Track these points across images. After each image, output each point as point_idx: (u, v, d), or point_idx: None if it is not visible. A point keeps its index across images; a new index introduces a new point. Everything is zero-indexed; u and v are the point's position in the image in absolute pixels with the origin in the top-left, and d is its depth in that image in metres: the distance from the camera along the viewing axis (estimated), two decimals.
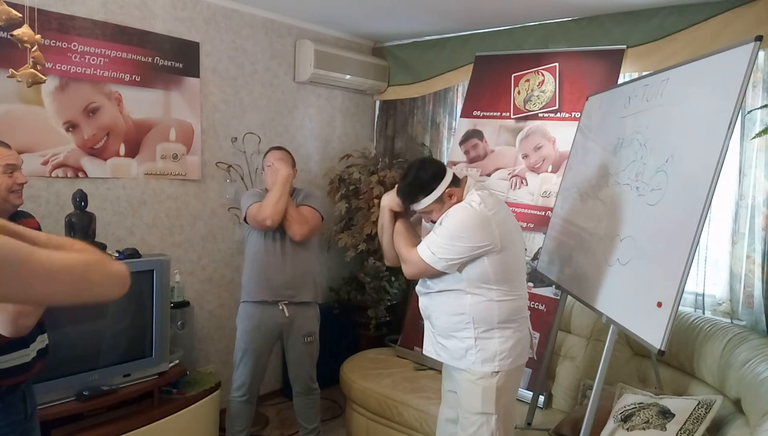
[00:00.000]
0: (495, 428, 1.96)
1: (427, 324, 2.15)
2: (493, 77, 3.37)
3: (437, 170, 1.98)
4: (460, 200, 1.98)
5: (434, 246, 1.93)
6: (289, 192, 2.70)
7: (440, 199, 1.97)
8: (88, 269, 0.89)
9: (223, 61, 3.31)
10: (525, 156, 3.15)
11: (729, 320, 2.64)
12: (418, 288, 2.16)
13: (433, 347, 2.11)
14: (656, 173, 1.86)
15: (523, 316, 2.04)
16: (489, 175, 3.23)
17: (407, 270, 2.05)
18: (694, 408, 1.95)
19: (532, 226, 3.00)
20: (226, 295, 3.44)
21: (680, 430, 1.89)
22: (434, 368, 2.98)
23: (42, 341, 1.71)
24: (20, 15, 1.45)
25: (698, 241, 1.58)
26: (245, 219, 2.72)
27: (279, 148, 2.84)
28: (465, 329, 1.96)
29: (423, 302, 2.13)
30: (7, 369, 1.56)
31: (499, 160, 3.23)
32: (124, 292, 0.97)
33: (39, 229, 1.81)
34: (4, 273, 0.78)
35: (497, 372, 1.95)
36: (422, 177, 1.97)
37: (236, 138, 3.38)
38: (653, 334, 1.64)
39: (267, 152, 2.83)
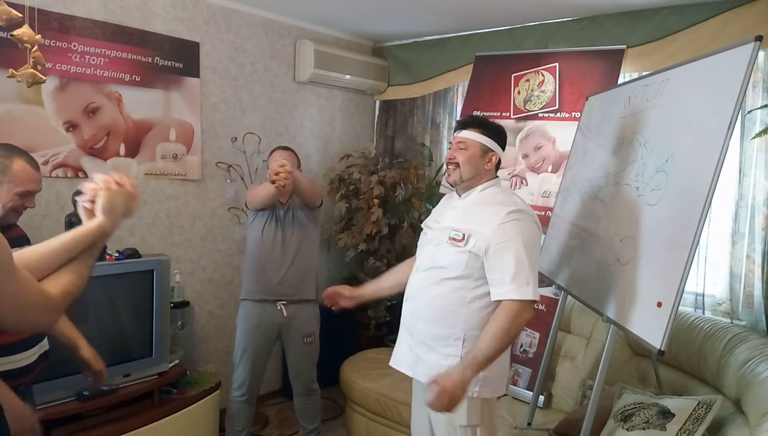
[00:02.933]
0: None
1: (403, 332, 2.01)
2: (493, 77, 3.37)
3: (505, 140, 1.99)
4: (491, 178, 1.93)
5: (527, 277, 1.72)
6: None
7: (483, 152, 1.90)
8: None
9: (223, 61, 3.31)
10: (525, 156, 3.15)
11: (729, 320, 2.64)
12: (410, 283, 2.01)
13: (406, 360, 1.96)
14: (656, 173, 1.86)
15: None
16: None
17: (519, 324, 1.73)
18: (694, 408, 1.95)
19: None
20: (226, 295, 3.44)
21: (680, 430, 1.89)
22: None
23: (42, 347, 1.71)
24: (20, 15, 1.45)
25: (698, 241, 1.58)
26: (246, 204, 2.81)
27: (285, 148, 2.83)
28: (452, 346, 1.83)
29: (408, 309, 1.98)
30: (8, 371, 1.56)
31: None
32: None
33: (26, 238, 1.80)
34: None
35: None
36: (500, 128, 1.97)
37: (236, 138, 3.38)
38: (653, 334, 1.64)
39: (272, 151, 2.82)
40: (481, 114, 3.34)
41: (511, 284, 1.71)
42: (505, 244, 1.75)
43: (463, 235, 1.82)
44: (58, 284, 1.08)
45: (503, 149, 1.96)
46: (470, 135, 1.91)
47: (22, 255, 1.09)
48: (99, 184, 1.20)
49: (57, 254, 1.12)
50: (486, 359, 1.68)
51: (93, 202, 1.19)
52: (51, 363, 1.79)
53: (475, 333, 1.80)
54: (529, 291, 1.70)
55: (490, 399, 1.88)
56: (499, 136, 1.94)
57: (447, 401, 1.62)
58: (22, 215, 1.77)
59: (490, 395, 1.86)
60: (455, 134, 1.97)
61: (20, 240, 1.74)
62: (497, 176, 1.97)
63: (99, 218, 1.18)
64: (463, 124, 1.96)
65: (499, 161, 1.96)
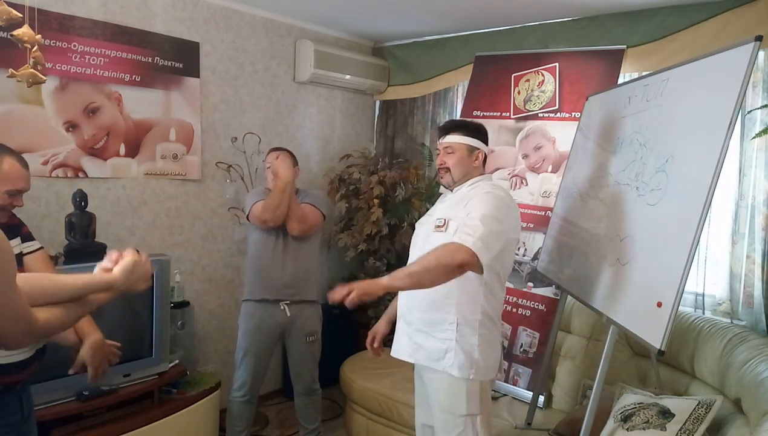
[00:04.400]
0: (480, 429, 1.92)
1: (400, 324, 2.09)
2: (493, 77, 3.37)
3: (486, 136, 2.10)
4: (480, 173, 2.05)
5: (481, 234, 1.76)
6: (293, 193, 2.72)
7: (470, 152, 2.01)
8: None
9: (223, 61, 3.31)
10: (525, 156, 3.15)
11: (729, 320, 2.64)
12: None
13: (406, 348, 2.04)
14: (656, 173, 1.86)
15: (499, 320, 2.01)
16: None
17: (450, 260, 1.74)
18: (694, 408, 1.95)
19: (532, 226, 3.00)
20: (226, 295, 3.44)
21: (680, 430, 1.89)
22: None
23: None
24: (20, 15, 1.45)
25: (698, 241, 1.58)
26: (248, 217, 2.74)
27: (279, 148, 2.84)
28: (447, 330, 1.91)
29: (404, 301, 2.07)
30: (5, 365, 1.56)
31: (499, 160, 3.23)
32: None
33: (19, 225, 1.81)
34: None
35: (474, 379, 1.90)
36: (480, 126, 2.08)
37: (236, 138, 3.38)
38: (653, 334, 1.64)
39: (268, 153, 2.83)
40: (481, 114, 3.35)
41: (461, 232, 1.81)
42: (474, 210, 1.86)
43: (445, 220, 1.94)
44: (46, 312, 1.12)
45: (486, 145, 2.08)
46: (454, 139, 2.03)
47: (29, 277, 1.14)
48: (126, 254, 1.32)
49: (60, 290, 1.18)
50: (405, 275, 1.78)
51: (115, 263, 1.30)
52: (51, 363, 1.79)
53: (467, 317, 1.90)
54: (470, 241, 1.76)
55: (485, 385, 1.96)
56: (480, 134, 2.07)
57: (349, 290, 1.79)
58: (21, 216, 1.78)
59: (485, 377, 1.94)
60: (440, 140, 2.08)
61: (15, 228, 1.77)
62: (484, 172, 2.09)
63: (115, 273, 1.28)
64: (445, 130, 2.08)
65: (485, 156, 2.08)
